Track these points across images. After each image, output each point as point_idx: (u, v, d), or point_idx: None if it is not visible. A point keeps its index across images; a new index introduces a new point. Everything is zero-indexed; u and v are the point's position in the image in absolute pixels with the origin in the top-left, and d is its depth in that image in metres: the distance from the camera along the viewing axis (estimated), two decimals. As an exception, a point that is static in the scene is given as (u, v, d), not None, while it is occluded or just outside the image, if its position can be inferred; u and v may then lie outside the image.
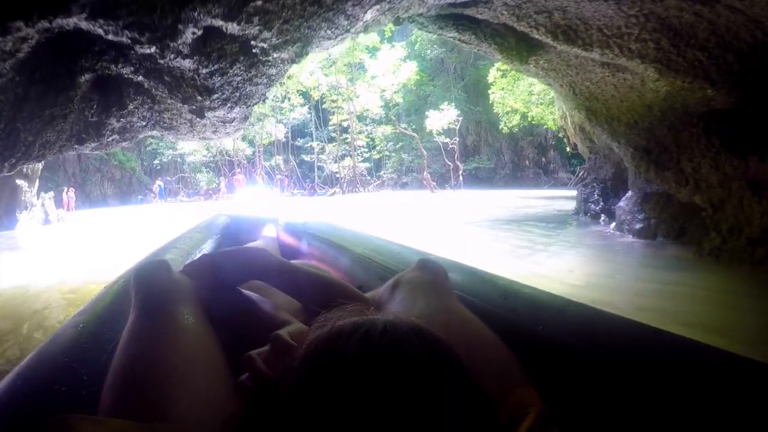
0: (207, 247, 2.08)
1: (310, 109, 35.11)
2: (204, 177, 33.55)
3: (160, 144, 32.29)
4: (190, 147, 31.86)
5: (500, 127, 22.90)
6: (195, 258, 1.35)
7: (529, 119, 20.54)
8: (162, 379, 0.69)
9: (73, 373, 0.79)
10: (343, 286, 1.07)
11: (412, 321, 0.55)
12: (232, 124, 4.21)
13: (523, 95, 19.37)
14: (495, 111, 21.26)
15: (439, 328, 0.57)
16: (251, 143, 33.96)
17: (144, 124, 4.13)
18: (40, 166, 14.63)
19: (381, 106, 32.15)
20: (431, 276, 1.07)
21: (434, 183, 27.22)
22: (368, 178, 34.87)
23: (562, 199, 16.79)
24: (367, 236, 2.09)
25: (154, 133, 4.43)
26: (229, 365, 0.81)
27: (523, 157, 36.47)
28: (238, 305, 1.02)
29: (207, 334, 0.86)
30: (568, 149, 22.36)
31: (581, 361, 0.82)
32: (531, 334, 0.93)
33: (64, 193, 25.21)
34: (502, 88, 19.56)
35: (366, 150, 35.49)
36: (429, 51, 35.84)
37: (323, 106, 34.60)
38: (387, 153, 36.07)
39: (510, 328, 0.95)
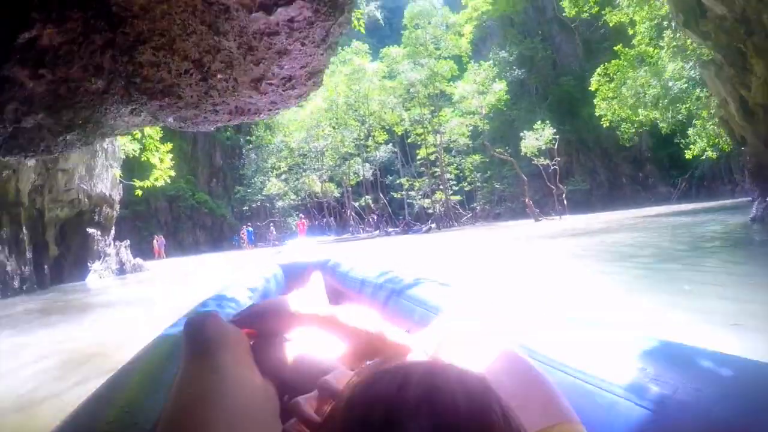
0: (256, 297, 2.10)
1: (395, 145, 34.49)
2: (294, 220, 33.68)
3: (248, 191, 32.94)
4: (277, 191, 32.12)
5: (619, 140, 20.74)
6: (244, 309, 1.22)
7: (638, 125, 18.36)
8: (211, 427, 0.70)
9: (125, 417, 0.83)
10: (388, 331, 1.05)
11: (453, 366, 0.54)
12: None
13: (629, 99, 17.41)
14: (602, 123, 19.22)
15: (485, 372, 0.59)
16: (339, 184, 33.82)
17: None
18: (114, 213, 14.47)
19: (468, 135, 31.20)
20: (476, 323, 1.06)
21: (537, 210, 24.57)
22: (460, 211, 33.41)
23: (689, 214, 14.82)
24: (415, 277, 2.04)
25: None
26: (278, 412, 0.84)
27: (618, 174, 34.35)
28: (287, 353, 1.07)
29: (256, 382, 0.87)
30: (692, 154, 19.42)
31: None
32: None
33: (154, 241, 26.63)
34: (611, 97, 17.71)
35: (455, 182, 34.20)
36: (508, 73, 33.90)
37: (408, 141, 34.03)
38: (478, 184, 34.77)
39: None
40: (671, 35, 15.91)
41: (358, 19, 11.88)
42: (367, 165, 32.80)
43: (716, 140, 18.58)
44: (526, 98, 34.74)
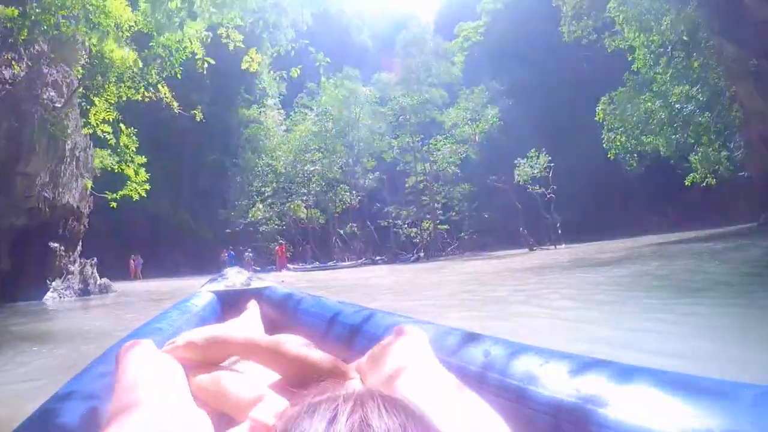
0: (191, 325, 1.98)
1: (383, 172, 33.94)
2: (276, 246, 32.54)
3: (232, 214, 32.05)
4: (262, 215, 31.11)
5: (627, 167, 21.03)
6: (178, 337, 1.19)
7: (640, 148, 18.34)
8: None
9: None
10: (324, 360, 1.06)
11: (387, 398, 0.53)
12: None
13: (637, 126, 17.49)
14: (608, 155, 19.07)
15: (419, 396, 0.61)
16: (324, 211, 32.98)
17: None
18: (82, 227, 13.23)
19: (457, 164, 30.94)
20: (411, 342, 1.07)
21: (531, 239, 23.80)
22: (447, 240, 32.68)
23: (700, 240, 13.95)
24: (351, 305, 2.06)
25: None
26: None
27: (607, 203, 34.29)
28: (221, 382, 1.01)
29: (188, 413, 0.84)
30: (691, 180, 19.05)
31: None
32: None
33: (131, 261, 25.73)
34: (617, 127, 17.79)
35: (441, 212, 33.65)
36: (500, 101, 33.81)
37: (397, 169, 33.53)
38: (466, 213, 34.29)
39: None
40: (678, 58, 15.66)
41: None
42: (354, 192, 32.10)
43: (718, 166, 18.26)
44: (518, 126, 34.49)
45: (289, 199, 32.18)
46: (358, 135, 31.19)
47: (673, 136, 17.81)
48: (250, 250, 29.51)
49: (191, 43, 12.25)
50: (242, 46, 13.94)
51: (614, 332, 3.43)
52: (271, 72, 16.95)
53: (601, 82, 26.87)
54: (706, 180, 19.05)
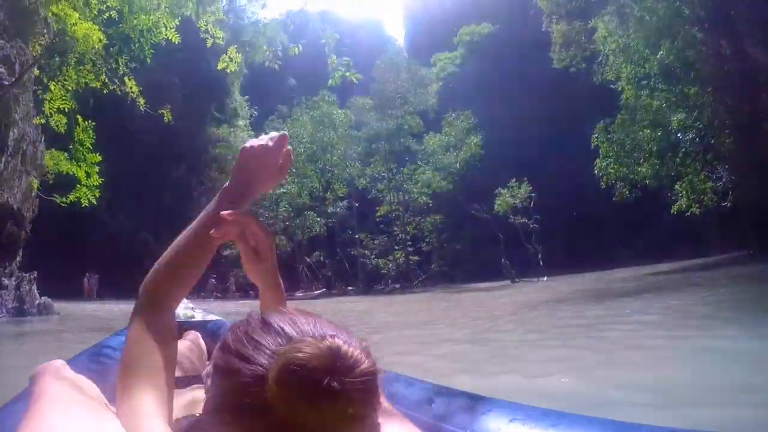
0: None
1: (354, 200, 33.01)
2: (241, 272, 30.68)
3: None
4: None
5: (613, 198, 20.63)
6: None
7: (632, 176, 19.04)
8: None
9: None
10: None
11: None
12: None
13: (632, 154, 17.42)
14: (601, 183, 18.57)
15: None
16: (291, 238, 31.70)
17: None
18: (23, 234, 11.35)
19: (429, 195, 30.43)
20: None
21: (513, 270, 23.10)
22: (417, 271, 32.08)
23: (692, 270, 13.64)
24: None
25: None
26: None
27: (576, 235, 33.14)
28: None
29: (97, 418, 0.80)
30: (677, 209, 18.73)
31: None
32: None
33: (84, 279, 24.71)
34: (610, 156, 17.67)
35: (410, 243, 32.72)
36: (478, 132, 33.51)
37: (369, 197, 32.73)
38: (435, 244, 33.70)
39: None
40: (673, 85, 15.50)
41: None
42: (321, 219, 31.14)
43: (703, 196, 18.13)
44: (491, 157, 34.28)
45: (255, 224, 30.98)
46: (331, 160, 30.27)
47: (661, 165, 17.68)
48: (214, 276, 27.62)
49: (166, 28, 11.03)
50: (221, 42, 12.69)
51: None
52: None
53: (578, 114, 26.97)
54: (690, 209, 18.89)
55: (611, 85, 19.62)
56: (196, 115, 34.64)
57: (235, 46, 12.87)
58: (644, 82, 18.12)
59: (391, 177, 30.61)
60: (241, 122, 38.80)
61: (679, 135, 16.69)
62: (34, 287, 11.33)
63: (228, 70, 13.27)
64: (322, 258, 32.29)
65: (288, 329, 0.59)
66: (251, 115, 40.68)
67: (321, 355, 0.54)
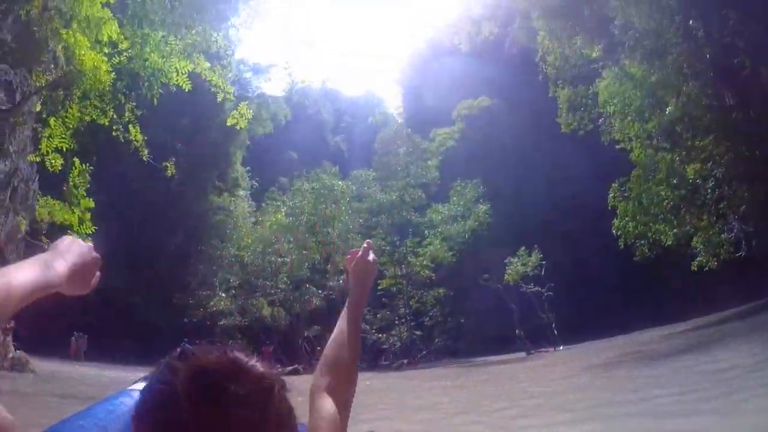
0: (117, 426, 1.46)
1: (353, 273, 32.40)
2: (235, 345, 29.10)
3: (191, 301, 29.25)
4: (223, 307, 28.89)
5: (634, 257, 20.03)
6: None
7: (651, 237, 18.68)
8: None
9: None
10: None
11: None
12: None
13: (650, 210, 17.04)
14: (619, 243, 19.05)
15: None
16: (289, 311, 31.05)
17: None
18: None
19: (431, 268, 30.04)
20: None
21: (527, 341, 21.99)
22: (420, 345, 31.29)
23: (714, 325, 11.83)
24: None
25: None
26: None
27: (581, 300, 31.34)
28: None
29: None
30: (697, 265, 17.88)
31: None
32: None
33: (72, 339, 24.52)
34: (628, 216, 17.27)
35: (412, 318, 32.18)
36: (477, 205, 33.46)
37: None
38: (439, 318, 32.85)
39: None
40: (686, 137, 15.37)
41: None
42: (321, 291, 30.43)
43: (719, 249, 17.52)
44: (500, 226, 33.97)
45: (254, 295, 30.25)
46: (332, 231, 29.97)
47: (678, 220, 17.29)
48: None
49: (177, 73, 10.83)
50: (233, 99, 12.43)
51: None
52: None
53: (584, 177, 26.94)
54: (708, 264, 18.20)
55: (616, 146, 19.65)
56: (197, 182, 34.77)
57: (246, 102, 12.70)
58: (648, 142, 18.14)
59: (394, 250, 30.22)
60: (242, 192, 39.04)
61: (698, 181, 16.41)
62: (9, 338, 10.16)
63: (238, 127, 12.95)
64: (320, 332, 30.62)
65: (197, 351, 0.66)
66: (252, 186, 40.96)
67: (222, 363, 0.61)
